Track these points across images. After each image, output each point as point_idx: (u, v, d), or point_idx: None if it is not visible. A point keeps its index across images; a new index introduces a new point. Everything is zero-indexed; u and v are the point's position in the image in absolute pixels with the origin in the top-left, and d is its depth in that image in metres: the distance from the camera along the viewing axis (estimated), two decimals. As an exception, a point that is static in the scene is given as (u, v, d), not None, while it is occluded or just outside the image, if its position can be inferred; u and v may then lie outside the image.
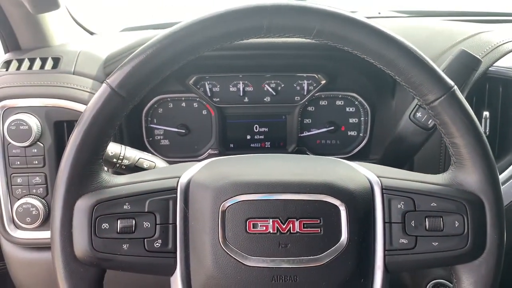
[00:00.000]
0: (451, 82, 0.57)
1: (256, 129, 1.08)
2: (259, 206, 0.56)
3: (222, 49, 0.98)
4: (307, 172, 0.60)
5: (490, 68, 0.88)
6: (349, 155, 1.09)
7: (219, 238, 0.55)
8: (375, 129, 1.07)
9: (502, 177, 0.89)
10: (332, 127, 1.08)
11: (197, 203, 0.58)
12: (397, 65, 0.56)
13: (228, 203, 0.56)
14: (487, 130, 0.89)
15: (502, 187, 0.87)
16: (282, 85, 1.06)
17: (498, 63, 0.88)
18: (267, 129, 1.08)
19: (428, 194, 0.58)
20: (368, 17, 1.39)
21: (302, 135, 1.08)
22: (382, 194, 0.59)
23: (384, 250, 0.58)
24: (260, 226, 0.55)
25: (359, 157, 1.08)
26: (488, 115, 0.89)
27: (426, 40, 1.03)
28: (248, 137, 1.08)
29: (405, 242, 0.57)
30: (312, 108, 1.08)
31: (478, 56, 0.76)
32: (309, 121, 1.08)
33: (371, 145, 1.08)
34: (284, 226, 0.56)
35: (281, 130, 1.08)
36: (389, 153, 0.88)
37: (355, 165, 0.63)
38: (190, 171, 0.61)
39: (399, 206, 0.58)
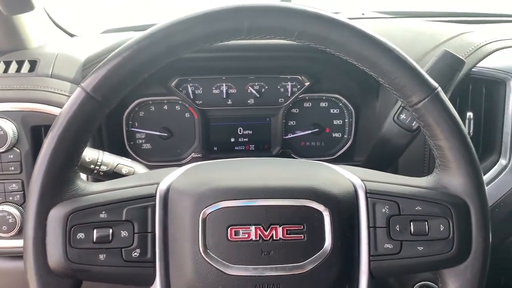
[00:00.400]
0: (435, 84, 0.56)
1: (240, 131, 1.06)
2: (240, 213, 0.54)
3: (205, 51, 0.97)
4: (290, 177, 0.59)
5: (473, 69, 0.88)
6: (334, 157, 1.08)
7: (200, 246, 0.54)
8: (360, 131, 1.06)
9: (486, 177, 0.89)
10: (317, 129, 1.07)
11: (177, 210, 0.56)
12: (380, 67, 0.55)
13: (208, 210, 0.54)
14: (471, 131, 0.89)
15: (486, 188, 0.88)
16: (266, 87, 1.04)
17: (481, 64, 0.88)
18: (251, 132, 1.07)
19: (413, 198, 0.57)
20: (351, 18, 1.39)
21: (286, 137, 1.07)
22: (366, 198, 0.58)
23: (369, 255, 0.56)
24: (242, 233, 0.54)
25: (344, 159, 1.07)
26: (471, 116, 0.89)
27: (409, 41, 1.02)
28: (232, 140, 1.07)
29: (390, 247, 0.56)
30: (297, 110, 1.07)
31: (461, 57, 0.75)
32: (293, 123, 1.07)
33: (356, 146, 1.07)
34: (266, 233, 0.54)
35: (266, 133, 1.07)
36: (373, 155, 0.88)
37: (339, 168, 0.62)
38: (169, 177, 0.59)
39: (383, 210, 0.57)
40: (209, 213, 0.54)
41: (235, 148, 1.07)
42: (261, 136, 1.07)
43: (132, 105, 1.01)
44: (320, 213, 0.55)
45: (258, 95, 1.04)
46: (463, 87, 0.89)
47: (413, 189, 0.58)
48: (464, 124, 0.89)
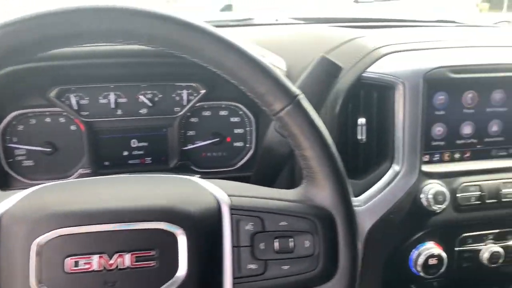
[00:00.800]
0: (296, 90, 0.52)
1: (134, 144, 0.99)
2: (81, 241, 0.48)
3: (89, 57, 0.90)
4: (143, 196, 0.53)
5: (363, 74, 0.86)
6: (236, 167, 1.03)
7: (32, 281, 0.47)
8: (260, 140, 1.02)
9: (380, 184, 0.87)
10: (217, 139, 1.02)
11: (10, 240, 0.48)
12: (238, 74, 0.52)
13: (43, 239, 0.47)
14: (363, 137, 0.87)
15: (380, 195, 0.87)
16: (160, 96, 0.98)
17: (372, 69, 0.87)
18: (146, 144, 1.00)
19: (278, 212, 0.53)
20: (265, 24, 1.34)
21: (185, 148, 1.01)
22: (231, 214, 0.53)
23: (233, 278, 0.52)
24: (83, 263, 0.47)
25: (247, 168, 1.03)
26: (364, 122, 0.87)
27: (307, 46, 1.01)
28: (125, 153, 0.99)
29: (254, 267, 0.52)
30: (195, 119, 1.01)
31: (338, 63, 0.73)
32: (192, 133, 1.02)
33: (258, 156, 1.03)
34: (111, 262, 0.48)
35: (162, 144, 1.00)
36: (260, 165, 0.84)
37: (205, 183, 0.57)
38: (6, 202, 0.51)
39: (247, 227, 0.52)
40: (45, 243, 0.47)
41: (129, 162, 0.99)
42: (157, 148, 1.00)
43: (8, 118, 0.91)
44: (174, 236, 0.50)
45: (151, 104, 0.98)
46: (355, 92, 0.87)
47: (279, 203, 0.54)
48: (357, 130, 0.88)
